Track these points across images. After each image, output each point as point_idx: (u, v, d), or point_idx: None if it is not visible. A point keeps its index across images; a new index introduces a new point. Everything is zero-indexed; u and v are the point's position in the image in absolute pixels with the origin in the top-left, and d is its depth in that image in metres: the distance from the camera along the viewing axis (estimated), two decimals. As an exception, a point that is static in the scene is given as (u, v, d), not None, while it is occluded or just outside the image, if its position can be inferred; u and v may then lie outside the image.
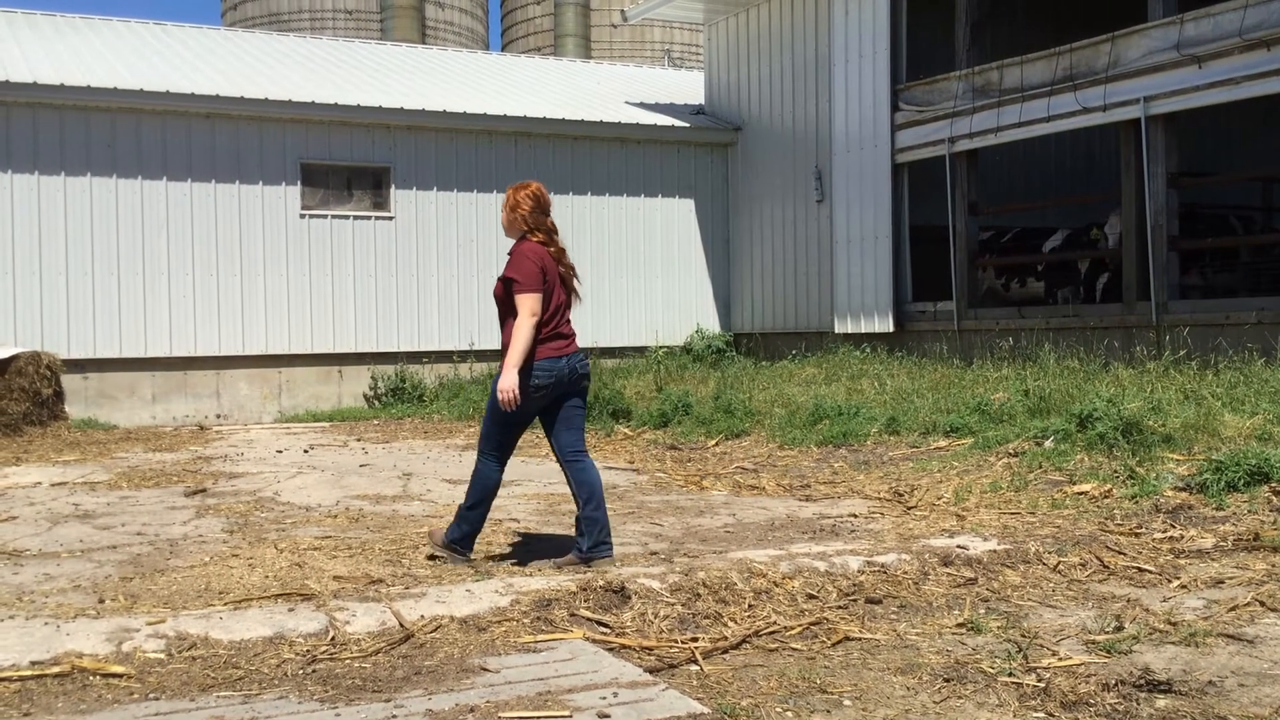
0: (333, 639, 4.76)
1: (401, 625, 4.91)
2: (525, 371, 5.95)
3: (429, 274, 17.53)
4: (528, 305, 5.96)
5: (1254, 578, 5.70)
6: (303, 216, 16.70)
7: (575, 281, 6.32)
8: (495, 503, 8.59)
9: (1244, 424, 8.70)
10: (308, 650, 4.64)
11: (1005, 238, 16.21)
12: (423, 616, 5.01)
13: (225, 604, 5.29)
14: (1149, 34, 12.83)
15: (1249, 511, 7.01)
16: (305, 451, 12.32)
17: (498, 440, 6.23)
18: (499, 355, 6.31)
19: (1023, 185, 18.09)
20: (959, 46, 15.27)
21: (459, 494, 9.08)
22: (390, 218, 17.29)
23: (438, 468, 10.85)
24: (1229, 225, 15.61)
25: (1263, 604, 5.24)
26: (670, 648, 4.75)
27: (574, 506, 6.31)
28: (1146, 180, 12.86)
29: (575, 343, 6.21)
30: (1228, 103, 12.43)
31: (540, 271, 6.06)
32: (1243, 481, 7.34)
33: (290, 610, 5.04)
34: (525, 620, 5.03)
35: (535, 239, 6.20)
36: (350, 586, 5.64)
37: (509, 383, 5.88)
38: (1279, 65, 11.55)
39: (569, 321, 6.25)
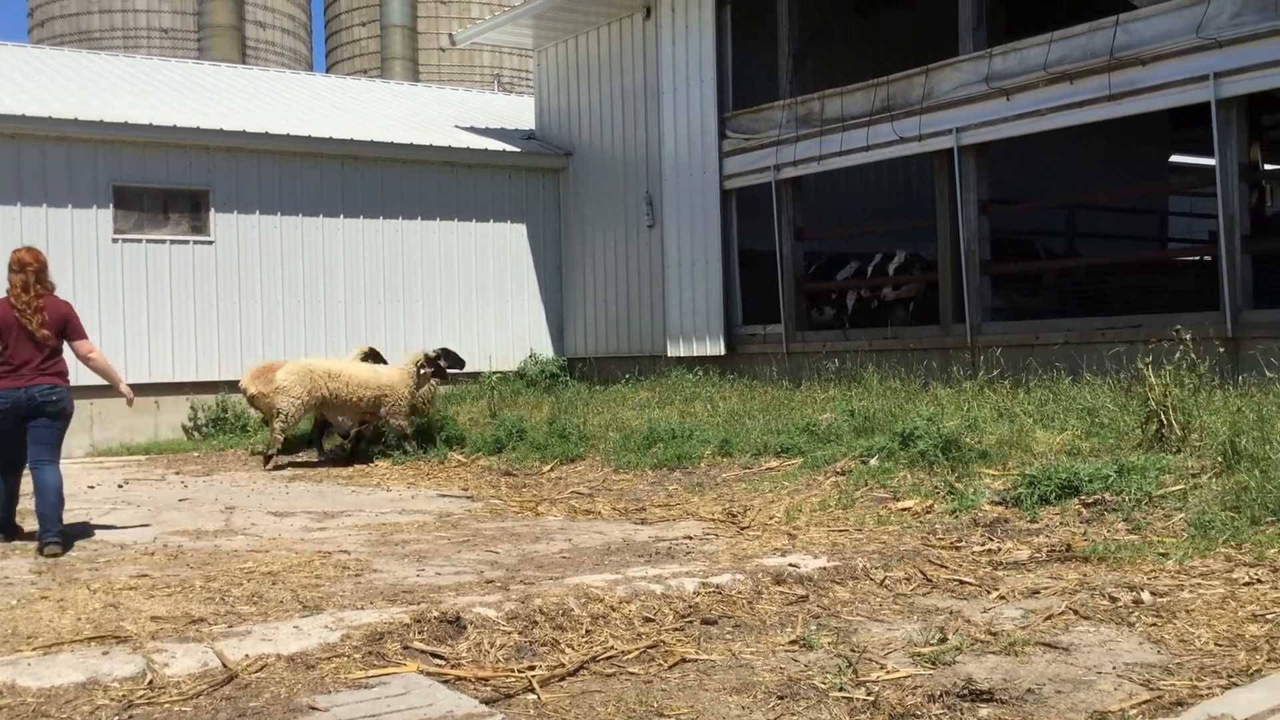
0: (150, 682, 4.54)
1: (224, 665, 4.72)
2: None
3: (252, 300, 17.01)
4: None
5: (1067, 587, 5.97)
6: (115, 241, 16.00)
7: (33, 324, 7.83)
8: (324, 535, 8.37)
9: (1054, 440, 9.11)
10: (123, 695, 4.41)
11: (812, 267, 16.68)
12: (247, 655, 4.83)
13: (33, 649, 4.99)
14: (960, 67, 13.40)
15: (1061, 523, 7.34)
16: (120, 486, 11.78)
17: None
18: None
19: (851, 211, 18.65)
20: (782, 77, 15.68)
21: (286, 527, 8.81)
22: (210, 242, 16.73)
23: (263, 500, 10.50)
24: (1035, 251, 16.42)
25: (1076, 612, 5.49)
26: (507, 677, 4.69)
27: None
28: (960, 207, 13.41)
29: (33, 376, 7.81)
30: (1035, 133, 13.07)
31: None
32: (1054, 495, 7.69)
33: (104, 653, 4.79)
34: (356, 655, 4.90)
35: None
36: (169, 626, 5.39)
37: None
38: (1081, 98, 12.21)
39: (21, 359, 7.82)
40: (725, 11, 16.35)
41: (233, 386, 16.61)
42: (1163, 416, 8.41)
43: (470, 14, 33.26)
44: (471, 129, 20.09)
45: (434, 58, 34.09)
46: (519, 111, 22.62)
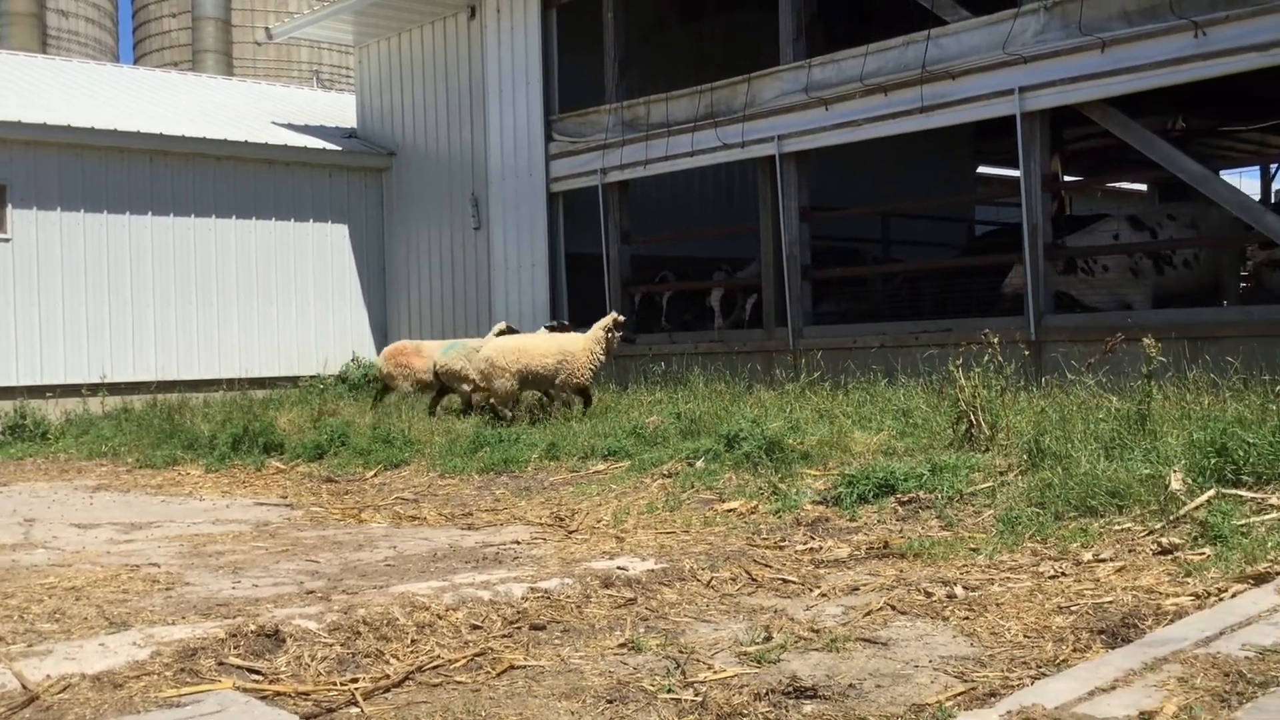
0: (-62, 711, 4.23)
1: (24, 687, 4.44)
2: None
3: (53, 301, 16.15)
4: None
5: (885, 583, 6.14)
6: (-100, 237, 14.99)
7: None
8: (132, 547, 7.98)
9: (871, 440, 9.39)
10: (-93, 726, 4.10)
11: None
12: (49, 676, 4.55)
13: None
14: (781, 76, 13.70)
15: (878, 521, 7.56)
16: (-95, 499, 11.01)
17: None
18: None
19: (680, 215, 18.85)
20: (608, 81, 15.75)
21: (91, 539, 8.38)
22: (7, 239, 15.81)
23: (65, 512, 9.96)
24: (861, 258, 16.94)
25: (894, 608, 5.65)
26: (329, 691, 4.55)
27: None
28: (782, 213, 13.70)
29: None
30: (852, 142, 13.45)
31: None
32: (872, 494, 7.91)
33: (-115, 682, 4.45)
34: (168, 673, 4.67)
35: None
36: (-40, 649, 5.05)
37: None
38: (896, 109, 12.63)
39: None
40: (551, 14, 16.33)
41: (32, 392, 15.76)
42: (972, 417, 8.75)
43: (288, 7, 32.33)
44: (290, 126, 19.54)
45: (249, 52, 33.01)
46: (340, 109, 22.13)
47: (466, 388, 13.72)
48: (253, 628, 5.09)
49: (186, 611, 5.75)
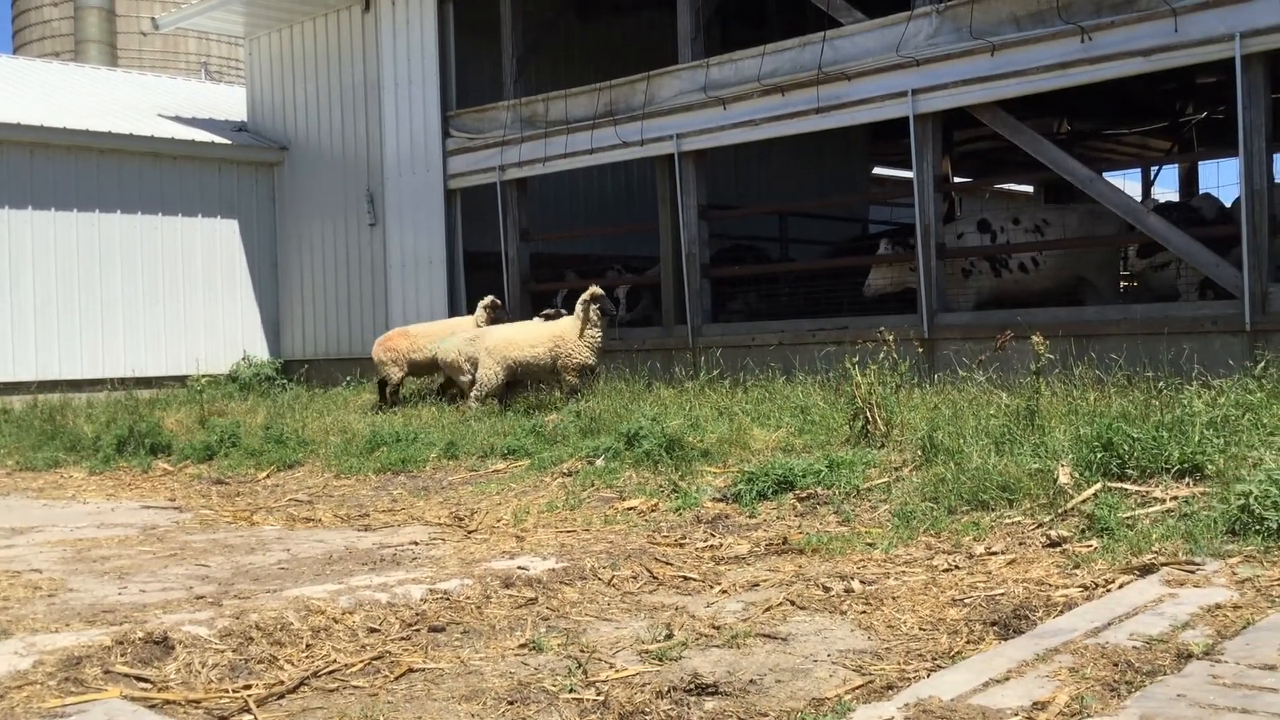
0: None
1: (-107, 704, 4.24)
2: None
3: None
4: None
5: (784, 579, 6.19)
6: None
7: None
8: (12, 553, 7.68)
9: (770, 437, 9.47)
10: None
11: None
12: (-79, 691, 4.35)
13: None
14: (680, 75, 13.75)
15: (777, 518, 7.62)
16: None
17: None
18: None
19: (582, 214, 18.80)
20: (506, 77, 15.64)
21: (-33, 546, 8.04)
22: (-125, 234, 15.15)
23: (-60, 517, 9.56)
24: (768, 257, 17.12)
25: (793, 603, 5.69)
26: (221, 698, 4.43)
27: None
28: (681, 212, 13.75)
29: None
30: (749, 142, 13.55)
31: None
32: (771, 490, 7.98)
33: None
34: (51, 683, 4.50)
35: None
36: None
37: None
38: (792, 109, 12.76)
39: None
40: (447, 9, 16.16)
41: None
42: (868, 413, 8.88)
43: (176, -3, 31.50)
44: (177, 118, 19.03)
45: (135, 42, 32.05)
46: (230, 102, 21.62)
47: (465, 378, 13.44)
48: (140, 635, 4.93)
49: (71, 619, 5.56)
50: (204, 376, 16.99)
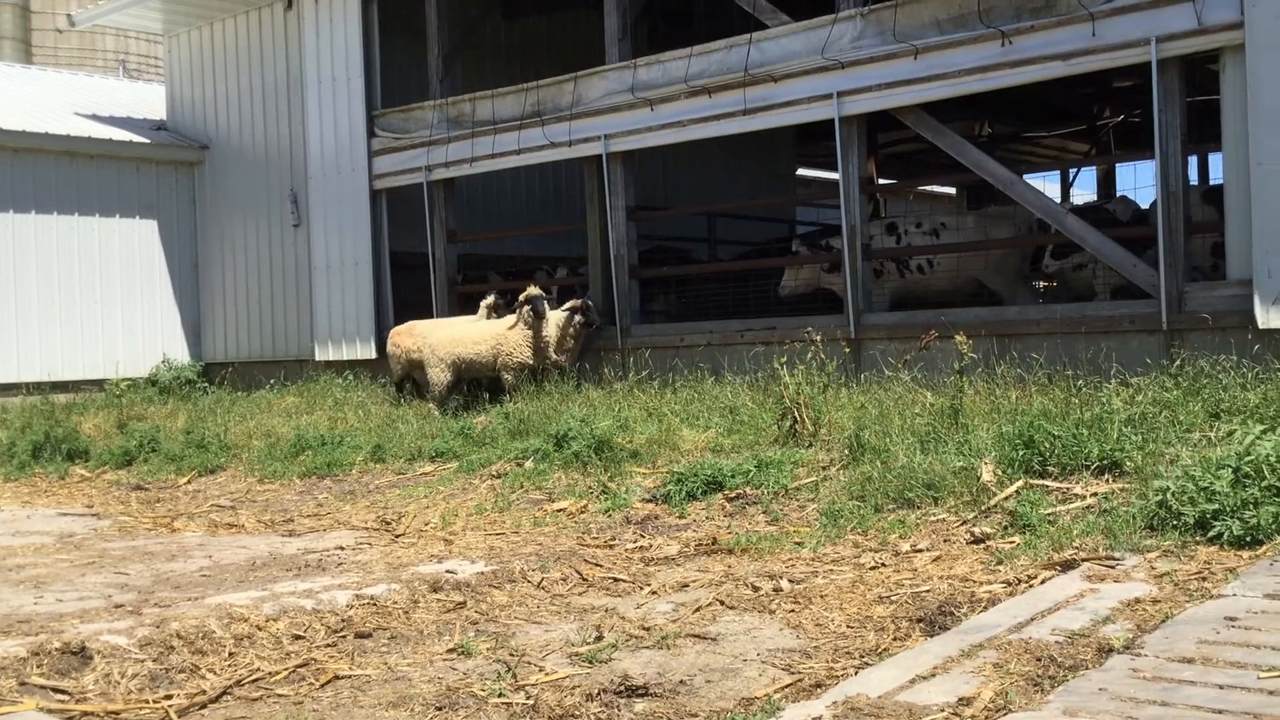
0: None
1: None
2: None
3: None
4: None
5: (714, 579, 6.21)
6: None
7: None
8: (-79, 563, 7.45)
9: (699, 438, 9.50)
10: None
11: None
12: None
13: None
14: (607, 76, 13.73)
15: (707, 518, 7.65)
16: None
17: None
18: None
19: (510, 214, 18.68)
20: (432, 77, 15.50)
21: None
22: None
23: None
24: (694, 258, 17.14)
25: (723, 603, 5.71)
26: (141, 709, 4.33)
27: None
28: (609, 212, 13.73)
29: None
30: (677, 143, 13.57)
31: None
32: (700, 491, 8.00)
33: None
34: (-39, 698, 4.38)
35: None
36: None
37: None
38: (719, 111, 12.79)
39: None
40: (372, 7, 15.98)
41: None
42: (796, 413, 8.94)
43: (93, -7, 30.80)
44: (94, 117, 18.61)
45: (50, 39, 31.28)
46: (149, 100, 21.17)
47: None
48: (57, 645, 4.81)
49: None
50: (123, 380, 16.64)
